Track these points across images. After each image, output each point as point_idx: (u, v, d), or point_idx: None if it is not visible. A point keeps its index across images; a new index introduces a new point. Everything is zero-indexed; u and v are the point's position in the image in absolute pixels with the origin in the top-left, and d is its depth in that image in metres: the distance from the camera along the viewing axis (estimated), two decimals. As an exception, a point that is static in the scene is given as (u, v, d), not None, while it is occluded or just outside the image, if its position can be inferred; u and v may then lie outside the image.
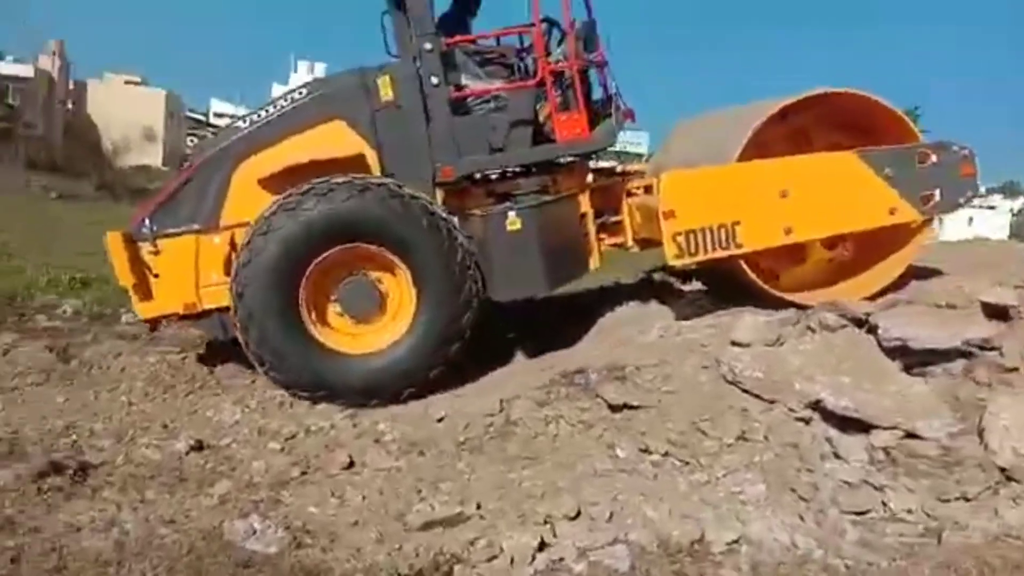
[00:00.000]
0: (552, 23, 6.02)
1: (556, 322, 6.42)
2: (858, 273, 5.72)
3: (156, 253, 5.40)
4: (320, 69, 62.59)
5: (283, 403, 5.07)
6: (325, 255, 5.07)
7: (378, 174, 5.43)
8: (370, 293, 5.29)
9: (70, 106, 49.78)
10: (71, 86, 50.37)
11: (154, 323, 5.73)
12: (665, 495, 3.66)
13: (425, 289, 5.18)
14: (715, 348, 4.62)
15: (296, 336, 5.07)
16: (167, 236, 5.41)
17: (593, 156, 6.20)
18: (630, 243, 6.08)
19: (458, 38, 5.84)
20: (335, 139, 5.46)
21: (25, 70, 45.36)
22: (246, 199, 5.32)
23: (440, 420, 4.61)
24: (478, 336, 5.65)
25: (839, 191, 5.26)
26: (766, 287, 5.33)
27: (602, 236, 6.07)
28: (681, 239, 5.09)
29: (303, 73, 61.31)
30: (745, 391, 4.22)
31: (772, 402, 4.12)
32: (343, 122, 5.48)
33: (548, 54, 5.80)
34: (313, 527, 3.47)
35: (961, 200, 5.52)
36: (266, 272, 4.97)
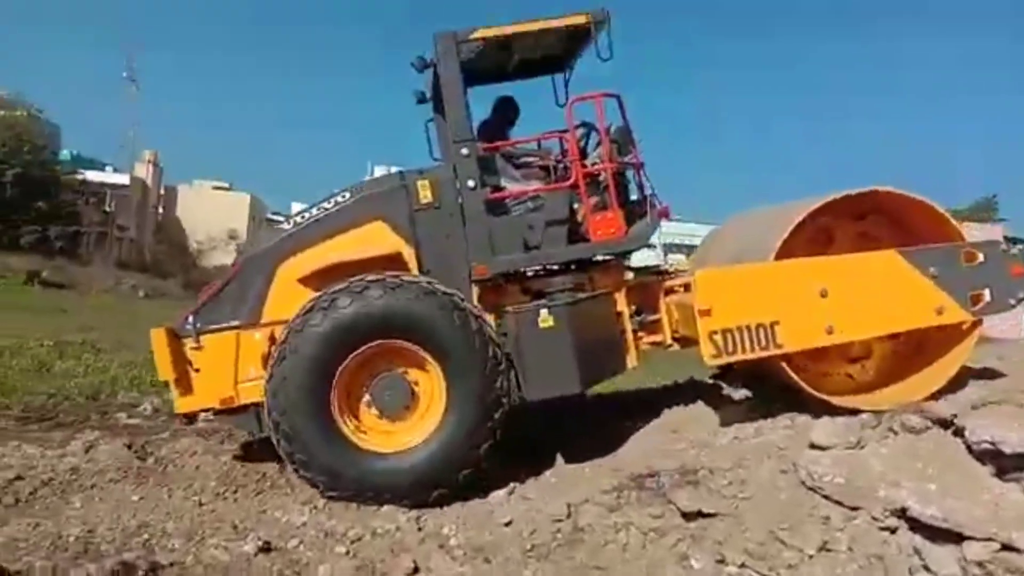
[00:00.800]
0: (590, 127, 6.21)
1: (625, 420, 6.30)
2: (907, 376, 5.48)
3: (198, 348, 5.58)
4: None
5: (349, 504, 5.05)
6: (349, 359, 5.12)
7: (415, 271, 5.57)
8: (402, 390, 5.29)
9: (161, 210, 52.58)
10: (163, 191, 53.33)
11: (191, 417, 5.87)
12: (743, 610, 3.47)
13: (455, 385, 5.17)
14: (793, 451, 4.45)
15: (333, 442, 5.08)
16: (209, 332, 5.59)
17: (627, 255, 6.24)
18: (668, 341, 6.02)
19: (496, 143, 6.07)
20: (376, 239, 5.64)
21: (122, 178, 48.48)
22: (288, 297, 5.47)
23: (506, 524, 4.51)
24: (543, 432, 5.56)
25: (882, 290, 5.11)
26: (809, 389, 5.12)
27: (641, 334, 6.03)
28: (718, 338, 5.00)
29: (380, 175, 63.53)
30: (826, 497, 4.03)
31: (855, 509, 3.92)
32: (384, 223, 5.67)
33: (585, 156, 6.01)
34: (376, 636, 3.39)
35: (1012, 301, 5.27)
36: (295, 390, 5.04)
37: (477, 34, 5.65)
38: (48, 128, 44.50)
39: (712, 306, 5.00)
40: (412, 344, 5.17)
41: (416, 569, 4.06)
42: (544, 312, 5.26)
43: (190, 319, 5.61)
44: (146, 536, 4.45)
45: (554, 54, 6.48)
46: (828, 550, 3.76)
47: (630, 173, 6.32)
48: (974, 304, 5.19)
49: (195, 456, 5.98)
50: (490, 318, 5.55)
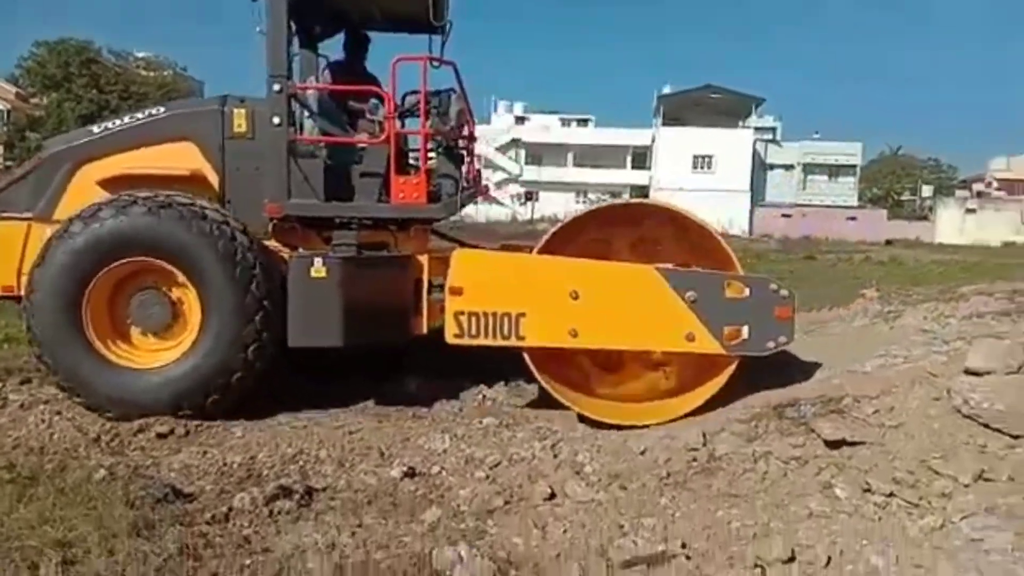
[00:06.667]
0: (449, 92, 5.86)
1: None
2: (664, 397, 5.45)
3: None
4: (519, 108, 64.52)
5: (487, 432, 5.20)
6: (95, 280, 5.19)
7: (218, 198, 5.60)
8: (160, 307, 5.39)
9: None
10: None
11: None
12: (891, 540, 3.35)
13: (209, 304, 5.24)
14: (946, 377, 4.19)
15: (86, 359, 5.24)
16: (1, 219, 5.72)
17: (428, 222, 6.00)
18: None
19: (307, 85, 5.95)
20: (181, 158, 5.66)
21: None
22: (84, 198, 5.49)
23: (641, 453, 4.52)
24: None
25: (634, 304, 5.04)
26: (552, 388, 5.22)
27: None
28: (464, 319, 5.12)
29: (502, 112, 63.51)
30: (984, 425, 3.78)
31: (1016, 438, 3.67)
32: (193, 143, 5.68)
33: (424, 117, 5.74)
34: (517, 559, 3.50)
35: (771, 344, 5.03)
36: (50, 287, 5.17)
37: None
38: (193, 83, 47.11)
39: (464, 286, 5.12)
40: (160, 261, 5.24)
41: (553, 495, 4.15)
42: (318, 262, 5.32)
43: None
44: (301, 463, 4.75)
45: (417, 13, 5.94)
46: (986, 479, 3.55)
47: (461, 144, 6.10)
48: (729, 339, 5.02)
49: (343, 387, 6.27)
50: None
